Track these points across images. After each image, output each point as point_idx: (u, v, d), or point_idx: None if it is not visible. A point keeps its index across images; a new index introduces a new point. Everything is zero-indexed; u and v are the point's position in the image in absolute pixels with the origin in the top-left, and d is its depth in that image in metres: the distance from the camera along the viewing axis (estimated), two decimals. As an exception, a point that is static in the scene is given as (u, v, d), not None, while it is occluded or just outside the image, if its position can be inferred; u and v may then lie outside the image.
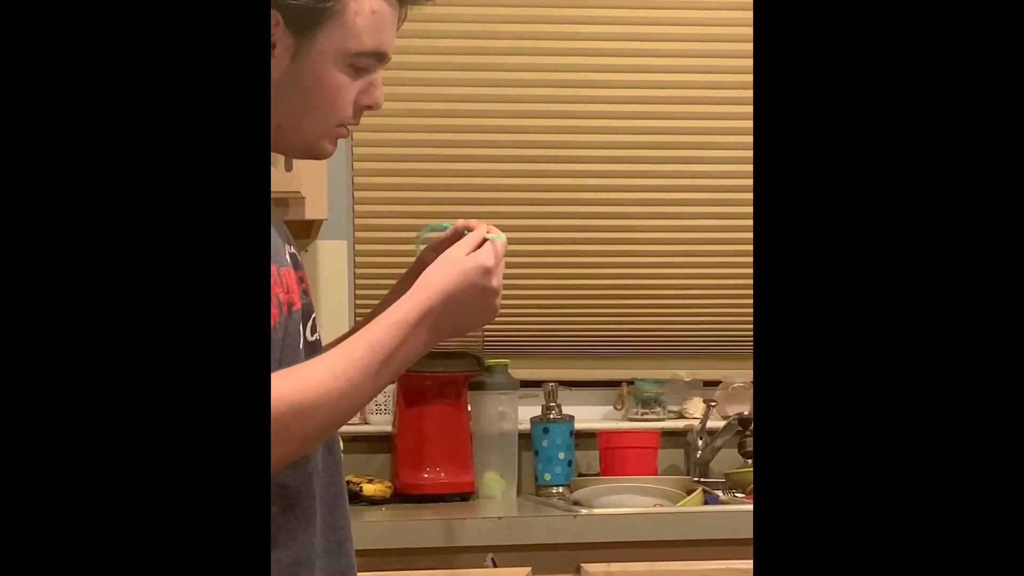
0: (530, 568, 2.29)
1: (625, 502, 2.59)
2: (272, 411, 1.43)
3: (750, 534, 2.26)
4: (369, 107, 1.64)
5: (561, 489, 2.73)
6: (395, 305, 1.57)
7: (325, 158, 1.71)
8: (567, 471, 2.75)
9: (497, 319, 1.67)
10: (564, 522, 2.36)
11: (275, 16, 1.56)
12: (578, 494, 2.65)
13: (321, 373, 1.50)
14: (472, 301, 1.60)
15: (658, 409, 2.93)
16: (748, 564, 2.26)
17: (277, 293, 1.55)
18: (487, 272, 1.59)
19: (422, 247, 1.78)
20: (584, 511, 2.44)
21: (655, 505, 2.57)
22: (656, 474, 2.80)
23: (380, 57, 1.62)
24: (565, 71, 2.90)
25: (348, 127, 1.65)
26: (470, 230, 1.65)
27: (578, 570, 2.31)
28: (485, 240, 1.63)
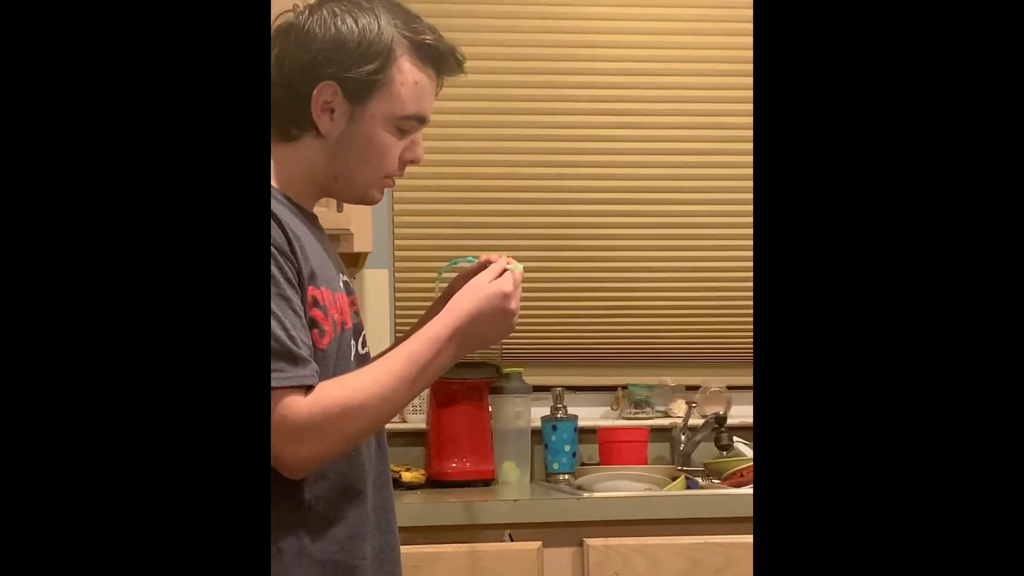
0: (541, 542, 2.31)
1: (620, 487, 2.64)
2: (327, 412, 1.50)
3: (726, 513, 2.36)
4: (412, 162, 1.68)
5: (567, 476, 2.75)
6: (430, 323, 1.63)
7: (374, 204, 1.77)
8: (572, 461, 2.77)
9: (514, 334, 1.71)
10: (569, 504, 2.37)
11: (333, 87, 1.60)
12: (581, 480, 2.70)
13: (367, 380, 1.55)
14: (493, 321, 1.64)
15: (648, 409, 2.96)
16: (724, 539, 2.34)
17: (332, 315, 1.59)
18: (506, 296, 1.63)
19: (444, 277, 1.83)
20: (586, 494, 2.46)
21: (646, 489, 2.62)
22: (646, 463, 2.82)
23: (421, 120, 1.67)
24: (569, 127, 2.95)
25: (393, 178, 1.69)
26: (492, 262, 1.69)
27: (581, 544, 2.32)
28: (506, 270, 1.67)
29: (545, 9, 2.94)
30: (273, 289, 1.51)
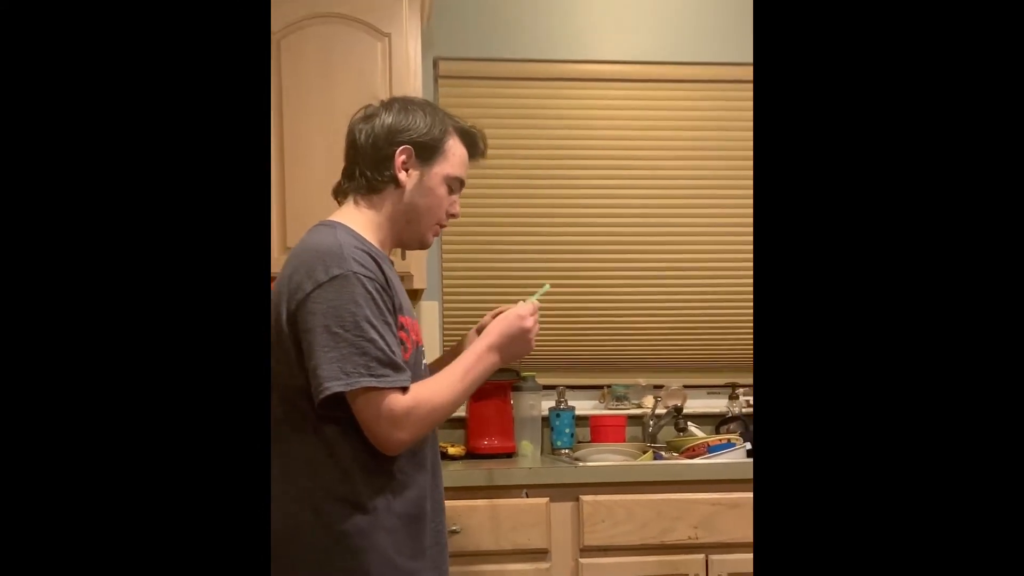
0: (548, 498, 2.33)
1: (606, 458, 2.68)
2: (419, 406, 1.54)
3: (682, 478, 2.38)
4: (452, 215, 1.73)
5: (567, 450, 2.77)
6: (476, 341, 1.69)
7: (427, 248, 1.77)
8: (570, 440, 2.80)
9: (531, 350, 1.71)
10: (569, 470, 2.39)
11: (409, 150, 1.65)
12: (578, 453, 2.74)
13: (442, 383, 1.61)
14: (516, 338, 1.69)
15: (626, 402, 2.95)
16: (681, 496, 2.36)
17: (412, 336, 1.64)
18: (522, 318, 1.69)
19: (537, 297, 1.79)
20: (581, 464, 2.47)
21: (624, 460, 2.65)
22: (624, 441, 2.84)
23: (461, 183, 1.72)
24: (575, 196, 2.92)
25: (441, 227, 1.72)
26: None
27: (577, 500, 2.34)
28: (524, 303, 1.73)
29: (561, 112, 2.94)
30: (380, 317, 1.55)
